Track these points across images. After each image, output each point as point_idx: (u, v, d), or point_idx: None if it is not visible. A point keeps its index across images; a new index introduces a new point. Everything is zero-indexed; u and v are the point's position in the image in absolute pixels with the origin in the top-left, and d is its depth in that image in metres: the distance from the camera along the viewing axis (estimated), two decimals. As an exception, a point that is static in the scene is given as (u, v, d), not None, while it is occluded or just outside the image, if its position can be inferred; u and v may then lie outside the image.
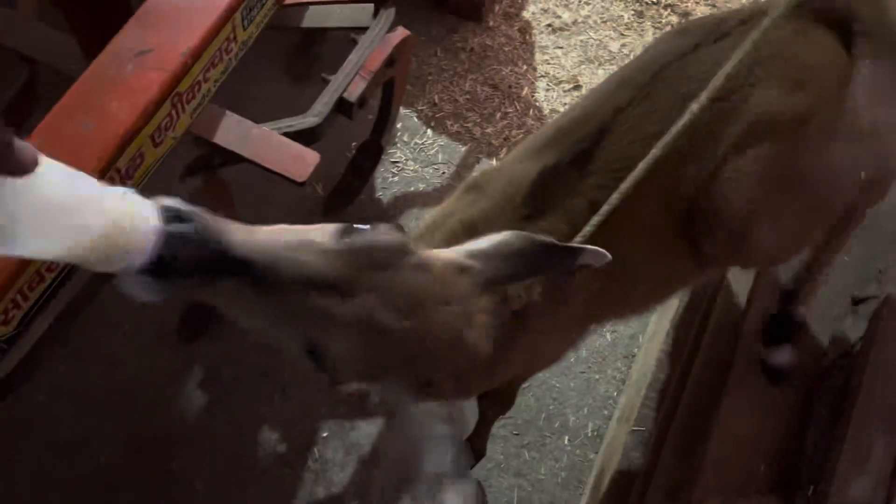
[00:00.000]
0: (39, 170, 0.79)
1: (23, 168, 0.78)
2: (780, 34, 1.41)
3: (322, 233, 0.97)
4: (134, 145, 1.39)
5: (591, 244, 1.30)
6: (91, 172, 1.33)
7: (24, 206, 0.78)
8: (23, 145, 0.78)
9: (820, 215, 1.62)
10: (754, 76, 1.39)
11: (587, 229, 1.27)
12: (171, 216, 0.86)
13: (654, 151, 1.26)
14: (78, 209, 0.83)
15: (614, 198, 1.28)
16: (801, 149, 1.42)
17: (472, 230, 1.34)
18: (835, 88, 1.42)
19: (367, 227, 0.99)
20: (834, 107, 1.43)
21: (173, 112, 1.49)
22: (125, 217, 0.84)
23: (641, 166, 1.27)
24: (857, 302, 1.92)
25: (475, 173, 1.50)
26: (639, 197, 1.37)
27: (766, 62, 1.39)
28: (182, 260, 0.85)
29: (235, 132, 1.84)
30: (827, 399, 1.79)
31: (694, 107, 1.26)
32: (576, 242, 1.28)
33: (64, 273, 1.41)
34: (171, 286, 0.86)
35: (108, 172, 1.36)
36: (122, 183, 1.40)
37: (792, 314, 1.82)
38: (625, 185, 1.26)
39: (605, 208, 1.28)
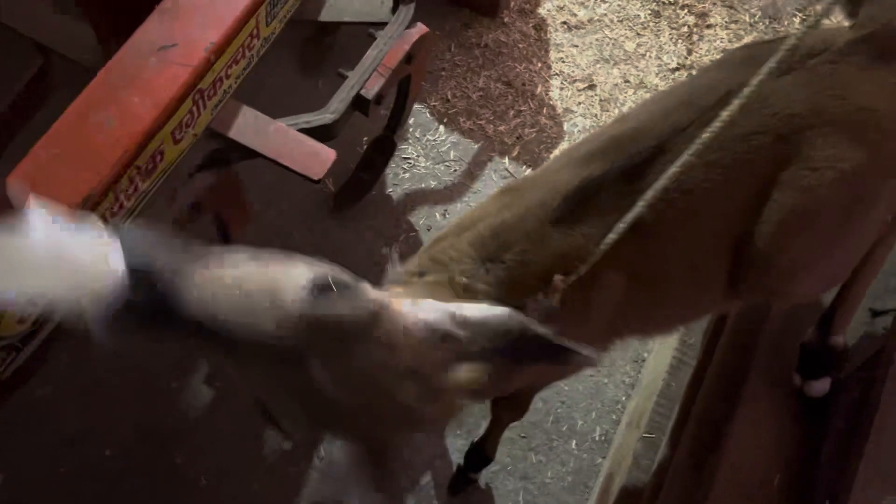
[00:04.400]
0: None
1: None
2: (845, 71, 1.38)
3: (291, 286, 0.91)
4: (154, 142, 1.37)
5: (624, 260, 1.28)
6: (113, 169, 1.32)
7: None
8: None
9: (859, 252, 1.62)
10: (816, 120, 1.36)
11: (610, 236, 1.24)
12: (134, 261, 0.83)
13: (662, 181, 1.22)
14: (39, 250, 0.82)
15: (638, 206, 1.24)
16: (855, 199, 1.41)
17: (499, 235, 1.32)
18: (894, 135, 1.40)
19: (349, 281, 0.95)
20: (892, 152, 1.41)
21: (194, 109, 1.46)
22: (84, 262, 0.83)
23: (660, 182, 1.22)
24: (876, 314, 1.90)
25: (512, 179, 1.48)
26: (683, 222, 1.36)
27: (829, 105, 1.36)
28: (137, 312, 0.83)
29: (252, 127, 1.81)
30: (844, 411, 1.78)
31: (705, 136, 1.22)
32: (599, 250, 1.25)
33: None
34: (127, 334, 0.84)
35: (128, 169, 1.33)
36: (142, 179, 1.38)
37: (831, 345, 1.79)
38: (641, 204, 1.23)
39: (622, 223, 1.24)
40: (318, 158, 1.84)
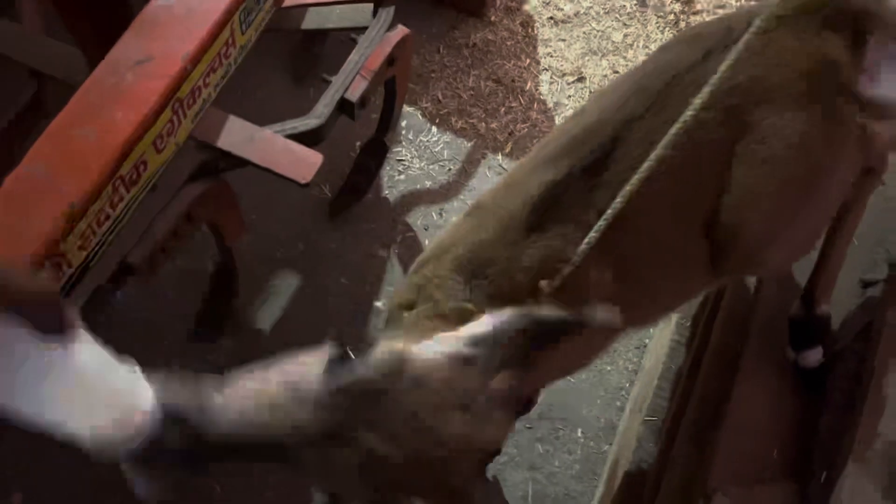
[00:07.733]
0: (78, 343, 0.86)
1: (63, 329, 0.85)
2: (788, 42, 1.39)
3: (310, 373, 0.96)
4: (136, 152, 1.41)
5: (599, 255, 1.30)
6: (95, 180, 1.36)
7: (55, 374, 0.85)
8: (69, 310, 0.86)
9: (825, 218, 1.63)
10: (759, 91, 1.37)
11: (592, 234, 1.26)
12: (166, 411, 0.90)
13: (648, 163, 1.24)
14: (93, 387, 0.89)
15: (617, 202, 1.27)
16: (811, 166, 1.42)
17: (479, 253, 1.34)
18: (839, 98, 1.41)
19: (354, 356, 0.98)
20: (841, 115, 1.41)
21: (174, 118, 1.50)
22: (125, 399, 0.90)
23: (636, 176, 1.25)
24: (866, 285, 1.90)
25: (481, 195, 1.49)
26: (655, 210, 1.37)
27: (769, 75, 1.38)
28: (168, 457, 0.91)
29: (239, 136, 1.85)
30: (840, 384, 1.78)
31: (687, 113, 1.25)
32: (581, 249, 1.27)
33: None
34: (158, 477, 0.92)
35: (112, 180, 1.37)
36: (126, 188, 1.43)
37: (815, 316, 1.80)
38: (623, 195, 1.25)
39: (603, 220, 1.27)
40: (305, 163, 1.88)
